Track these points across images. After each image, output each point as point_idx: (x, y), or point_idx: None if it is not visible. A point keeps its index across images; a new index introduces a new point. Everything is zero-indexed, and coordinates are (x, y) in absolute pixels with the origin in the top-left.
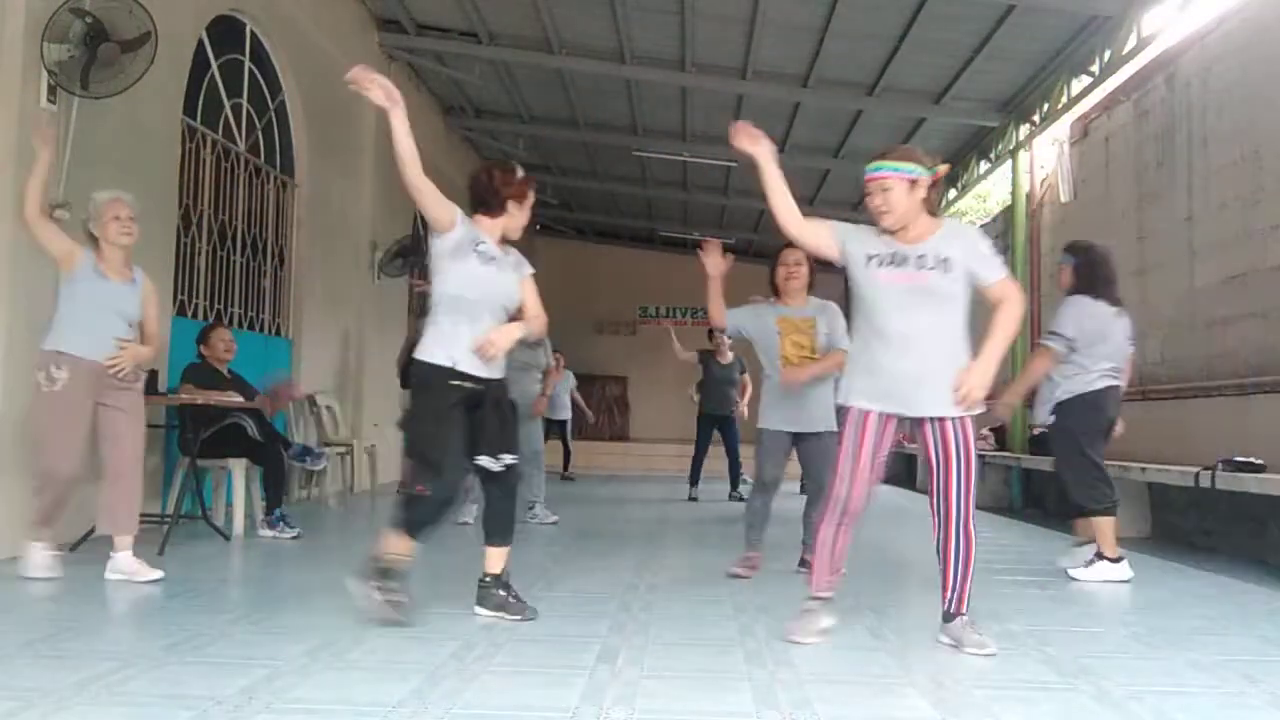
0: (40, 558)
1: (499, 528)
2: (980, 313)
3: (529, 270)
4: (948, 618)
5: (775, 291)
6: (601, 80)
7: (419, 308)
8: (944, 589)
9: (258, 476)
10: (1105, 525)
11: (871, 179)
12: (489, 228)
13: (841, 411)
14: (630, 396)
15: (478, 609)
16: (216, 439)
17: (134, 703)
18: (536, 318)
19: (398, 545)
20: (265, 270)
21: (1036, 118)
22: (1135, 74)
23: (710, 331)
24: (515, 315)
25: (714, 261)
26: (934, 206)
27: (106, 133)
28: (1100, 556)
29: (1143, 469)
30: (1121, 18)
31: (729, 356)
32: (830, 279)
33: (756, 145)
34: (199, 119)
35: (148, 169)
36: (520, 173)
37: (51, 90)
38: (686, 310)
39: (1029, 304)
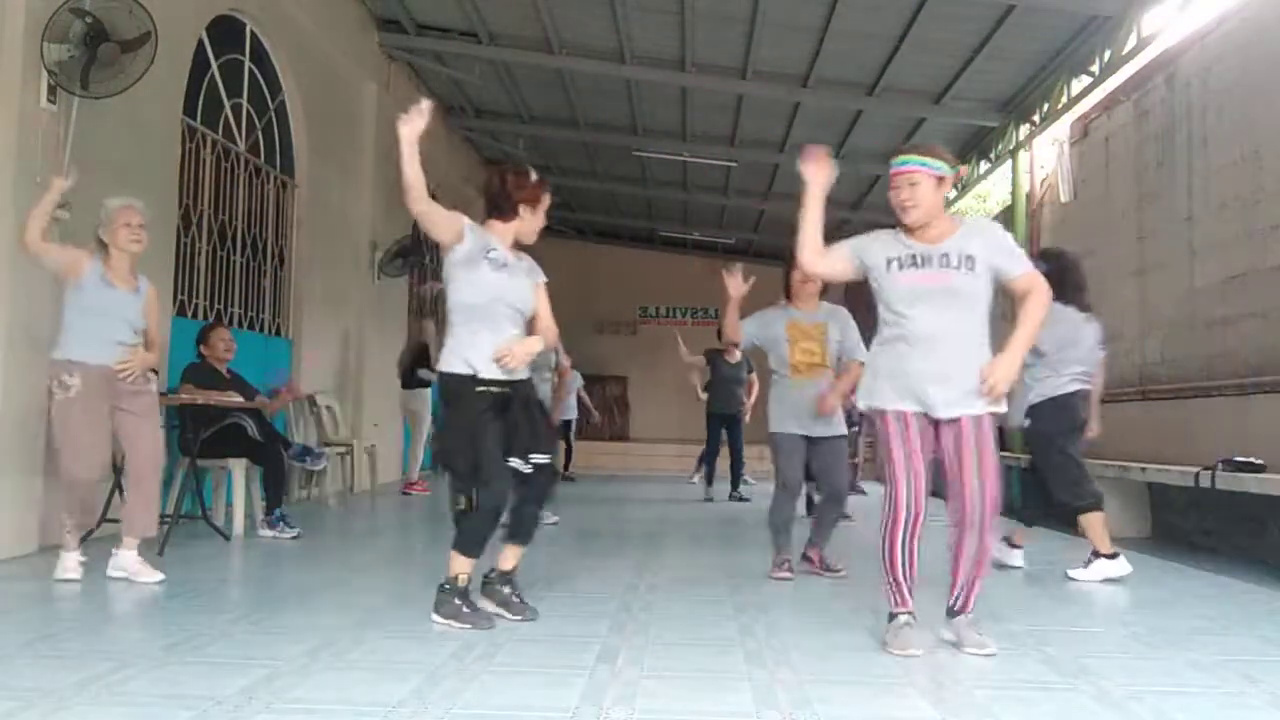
0: (69, 561)
1: (522, 528)
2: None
3: (542, 278)
4: (951, 613)
5: (788, 294)
6: (601, 80)
7: (431, 309)
8: (953, 585)
9: (258, 476)
10: (1095, 521)
11: (899, 173)
12: (501, 232)
13: (875, 417)
14: (630, 396)
15: (481, 601)
16: (216, 439)
17: (134, 703)
18: (548, 329)
19: (461, 565)
20: (265, 270)
21: (1036, 118)
22: (1135, 74)
23: (719, 330)
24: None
25: (736, 284)
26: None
27: (106, 133)
28: (1096, 555)
29: (1143, 469)
30: (1121, 18)
31: (737, 356)
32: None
33: (820, 176)
34: (199, 119)
35: (148, 169)
36: (533, 176)
37: (51, 90)
38: (686, 310)
39: None
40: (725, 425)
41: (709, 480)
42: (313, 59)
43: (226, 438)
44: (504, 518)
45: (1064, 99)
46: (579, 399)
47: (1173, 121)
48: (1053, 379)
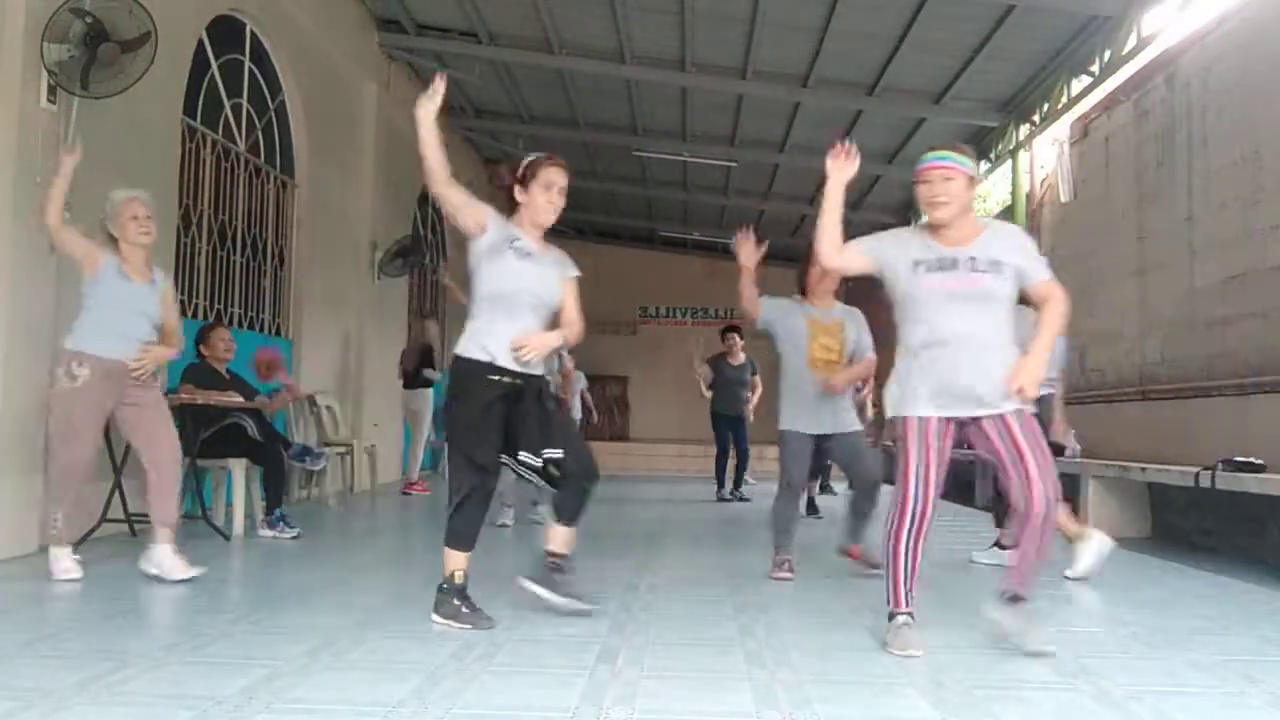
0: (66, 562)
1: (572, 506)
2: None
3: (573, 272)
4: (1010, 599)
5: (803, 291)
6: (601, 80)
7: (433, 308)
8: (1010, 573)
9: (258, 476)
10: (1060, 513)
11: (934, 168)
12: (519, 224)
13: (897, 423)
14: (630, 396)
15: (527, 582)
16: (216, 439)
17: (134, 703)
18: (573, 323)
19: (455, 561)
20: (265, 270)
21: (1036, 118)
22: (1135, 74)
23: (723, 333)
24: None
25: (748, 251)
26: None
27: (106, 133)
28: (1077, 541)
29: (1143, 469)
30: (1121, 18)
31: (741, 358)
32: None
33: (843, 172)
34: (199, 119)
35: (148, 169)
36: (528, 158)
37: (51, 90)
38: (686, 310)
39: None
40: (730, 426)
41: (720, 482)
42: (313, 59)
43: (226, 438)
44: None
45: (1064, 99)
46: (582, 399)
47: (1173, 121)
48: None
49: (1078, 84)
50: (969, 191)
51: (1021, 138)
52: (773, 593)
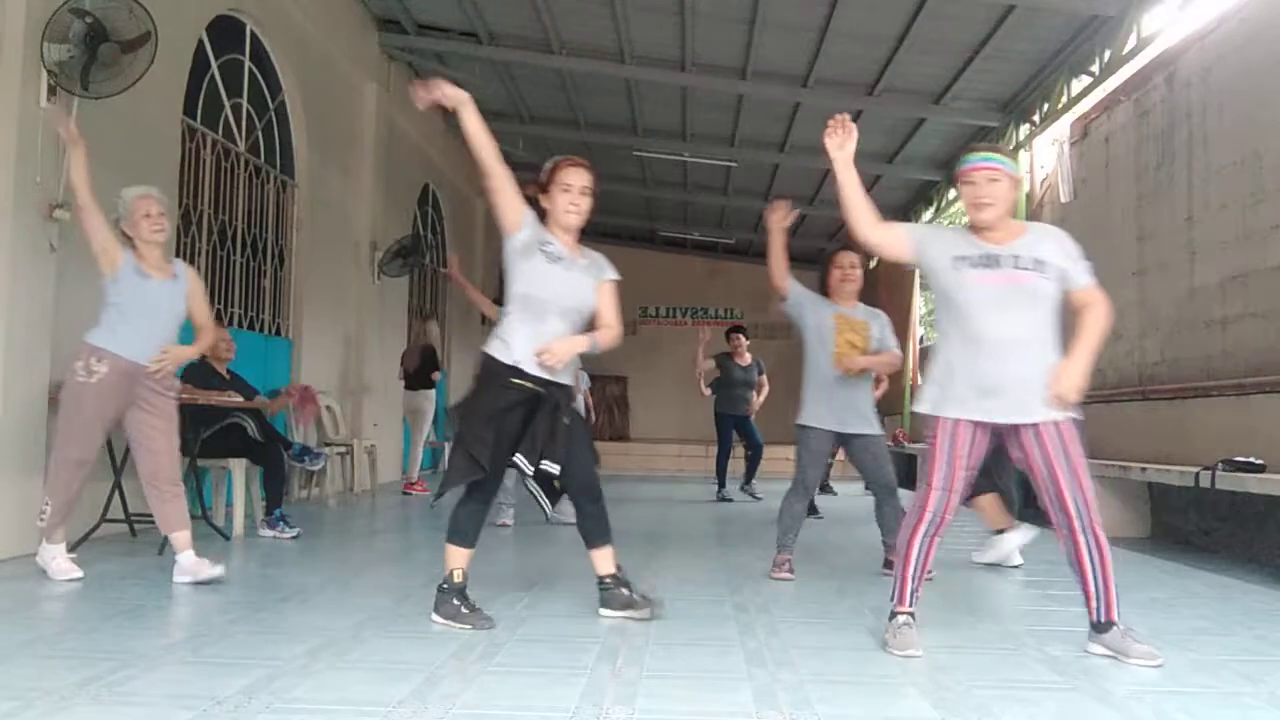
0: (63, 562)
1: (596, 529)
2: None
3: (610, 275)
4: (1101, 628)
5: (826, 294)
6: (601, 80)
7: (433, 309)
8: (1088, 599)
9: (258, 476)
10: (988, 502)
11: (979, 168)
12: (550, 230)
13: (929, 421)
14: (630, 396)
15: (603, 611)
16: (216, 439)
17: (134, 703)
18: (609, 328)
19: (455, 559)
20: (265, 270)
21: (1036, 118)
22: (1135, 74)
23: (728, 333)
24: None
25: (779, 217)
26: None
27: (106, 133)
28: (1000, 533)
29: (1143, 469)
30: (1121, 18)
31: (747, 358)
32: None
33: (844, 149)
34: (199, 119)
35: (148, 169)
36: (550, 162)
37: (51, 90)
38: (686, 310)
39: None
40: (736, 427)
41: (721, 482)
42: (313, 59)
43: (226, 438)
44: (511, 520)
45: (1064, 99)
46: (585, 400)
47: (1173, 121)
48: None
49: (1078, 84)
50: (1013, 193)
51: (1021, 138)
52: (773, 593)
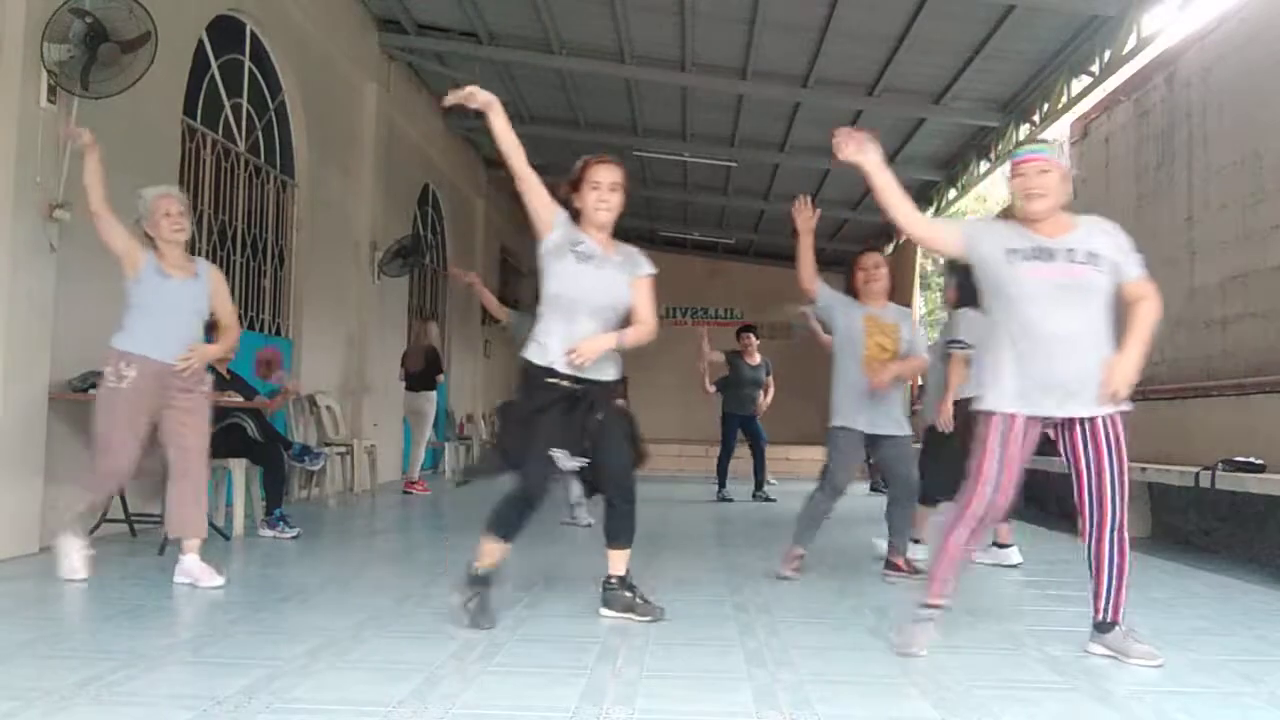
0: (76, 559)
1: (619, 530)
2: None
3: (644, 271)
4: (1104, 627)
5: (853, 295)
6: (601, 80)
7: (433, 311)
8: (1096, 597)
9: (258, 476)
10: (925, 514)
11: (1031, 160)
12: (583, 229)
13: (983, 416)
14: (630, 396)
15: (603, 611)
16: (216, 439)
17: (134, 703)
18: (643, 324)
19: (490, 549)
20: (265, 270)
21: (1036, 118)
22: (1135, 74)
23: (738, 332)
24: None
25: (806, 215)
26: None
27: (106, 133)
28: (915, 541)
29: (1143, 469)
30: (1121, 18)
31: (757, 358)
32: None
33: (864, 155)
34: (199, 119)
35: (148, 169)
36: (579, 161)
37: (51, 90)
38: (686, 310)
39: None
40: (741, 426)
41: (721, 482)
42: (313, 59)
43: (226, 438)
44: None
45: (1064, 99)
46: None
47: (1173, 121)
48: (962, 383)
49: (1078, 84)
50: (1064, 186)
51: (1021, 138)
52: (773, 593)
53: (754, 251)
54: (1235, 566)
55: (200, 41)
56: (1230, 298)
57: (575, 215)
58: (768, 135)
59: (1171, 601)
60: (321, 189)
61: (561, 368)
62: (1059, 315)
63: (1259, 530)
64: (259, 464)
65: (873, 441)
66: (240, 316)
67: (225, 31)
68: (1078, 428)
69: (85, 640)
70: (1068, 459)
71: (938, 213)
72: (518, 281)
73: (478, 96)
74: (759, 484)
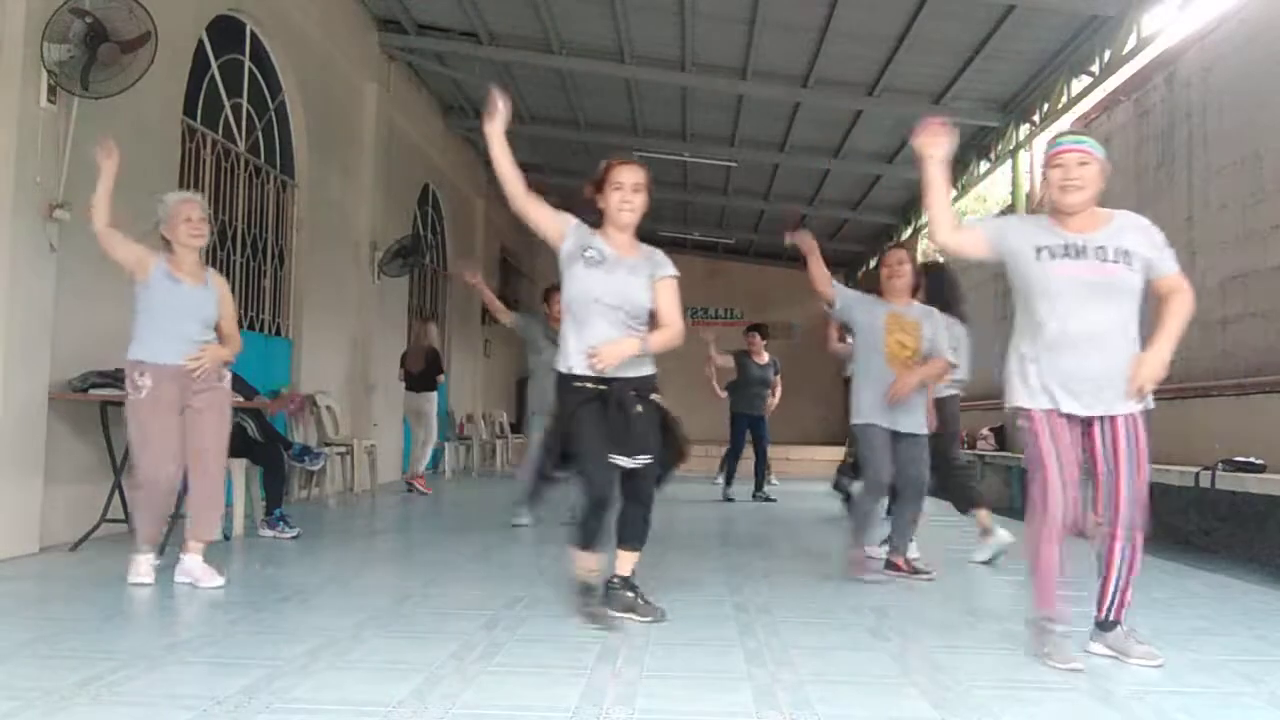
0: (145, 567)
1: (630, 532)
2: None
3: (666, 272)
4: (1106, 626)
5: (878, 292)
6: (601, 80)
7: (432, 311)
8: (1102, 595)
9: (258, 476)
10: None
11: (1069, 150)
12: (605, 231)
13: (1021, 416)
14: None
15: (606, 610)
16: None
17: (134, 703)
18: (669, 327)
19: (583, 561)
20: (265, 270)
21: (1036, 118)
22: (1135, 74)
23: (747, 331)
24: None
25: (808, 242)
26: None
27: (107, 133)
28: (985, 532)
29: None
30: (1121, 18)
31: (765, 357)
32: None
33: (935, 148)
34: (199, 119)
35: (148, 169)
36: (602, 163)
37: (51, 90)
38: (686, 310)
39: None
40: (749, 425)
41: (728, 481)
42: (313, 59)
43: None
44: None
45: (1064, 99)
46: None
47: (1173, 121)
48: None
49: (1078, 84)
50: (1101, 179)
51: (1021, 138)
52: (773, 593)
53: (754, 251)
54: (1235, 566)
55: (200, 41)
56: (1230, 298)
57: (599, 216)
58: (768, 135)
59: (1171, 601)
60: (321, 189)
61: (581, 370)
62: (1088, 313)
63: (1259, 530)
64: (259, 464)
65: (893, 438)
66: (240, 316)
67: (225, 31)
68: (1097, 426)
69: (85, 640)
70: (1086, 457)
71: None
72: (518, 281)
73: (491, 120)
74: (759, 484)
